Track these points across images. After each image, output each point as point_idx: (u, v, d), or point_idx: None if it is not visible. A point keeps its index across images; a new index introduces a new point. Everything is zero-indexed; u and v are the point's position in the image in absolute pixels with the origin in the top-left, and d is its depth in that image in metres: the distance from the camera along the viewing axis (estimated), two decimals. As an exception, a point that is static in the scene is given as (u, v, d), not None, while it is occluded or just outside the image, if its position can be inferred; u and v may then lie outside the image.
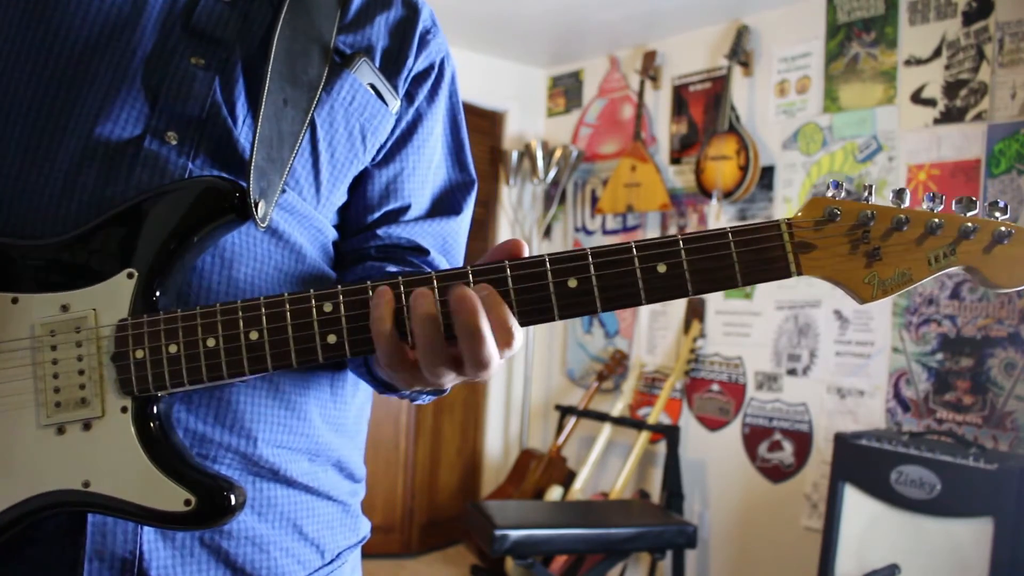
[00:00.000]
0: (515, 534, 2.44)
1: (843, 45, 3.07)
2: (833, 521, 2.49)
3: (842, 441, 2.54)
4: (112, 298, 0.70)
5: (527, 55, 4.13)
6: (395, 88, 0.88)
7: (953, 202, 0.67)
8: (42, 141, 0.73)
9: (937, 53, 2.81)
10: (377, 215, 0.90)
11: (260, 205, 0.72)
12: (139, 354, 0.69)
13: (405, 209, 0.92)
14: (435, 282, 0.68)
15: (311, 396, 0.82)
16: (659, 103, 3.74)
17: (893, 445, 2.41)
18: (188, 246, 0.71)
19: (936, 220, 0.66)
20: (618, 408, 3.61)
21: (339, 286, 0.69)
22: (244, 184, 0.71)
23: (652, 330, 3.72)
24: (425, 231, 0.93)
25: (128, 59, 0.74)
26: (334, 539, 0.87)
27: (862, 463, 2.47)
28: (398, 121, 0.90)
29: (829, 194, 0.68)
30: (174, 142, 0.74)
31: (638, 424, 3.45)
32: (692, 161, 3.51)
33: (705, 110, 3.54)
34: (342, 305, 0.68)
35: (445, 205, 0.96)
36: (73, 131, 0.73)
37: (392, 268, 0.87)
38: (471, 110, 4.07)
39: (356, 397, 0.89)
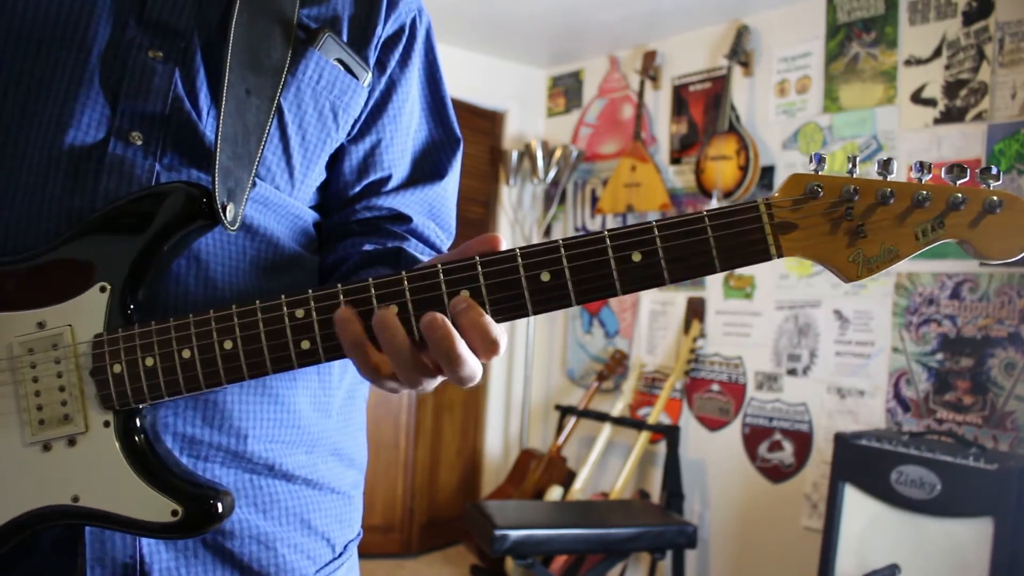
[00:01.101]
0: (515, 534, 2.44)
1: (843, 45, 3.07)
2: (833, 521, 2.49)
3: (842, 441, 2.54)
4: (87, 313, 0.70)
5: (527, 55, 4.13)
6: (365, 60, 0.85)
7: (943, 170, 0.63)
8: (3, 158, 0.71)
9: (937, 53, 2.81)
10: (357, 189, 0.88)
11: (229, 208, 0.71)
12: (116, 368, 0.69)
13: (386, 180, 0.89)
14: (406, 284, 0.66)
15: (299, 387, 0.81)
16: (659, 103, 3.74)
17: (893, 445, 2.41)
18: (159, 255, 0.70)
19: (923, 192, 0.62)
20: (618, 408, 3.61)
21: (310, 290, 0.68)
22: (211, 187, 0.70)
23: (652, 330, 3.72)
24: (408, 200, 0.90)
25: (83, 59, 0.72)
26: (342, 531, 0.87)
27: (862, 463, 2.46)
28: (371, 92, 0.87)
29: (811, 168, 0.65)
30: (139, 142, 0.72)
31: (638, 424, 3.45)
32: (692, 161, 3.51)
33: (705, 110, 3.54)
34: (313, 311, 0.67)
35: (427, 168, 0.93)
36: (35, 143, 0.71)
37: (368, 246, 0.85)
38: (471, 110, 4.08)
39: (344, 379, 0.88)
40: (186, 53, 0.74)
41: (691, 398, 3.53)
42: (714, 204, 3.37)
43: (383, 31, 0.86)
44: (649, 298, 3.73)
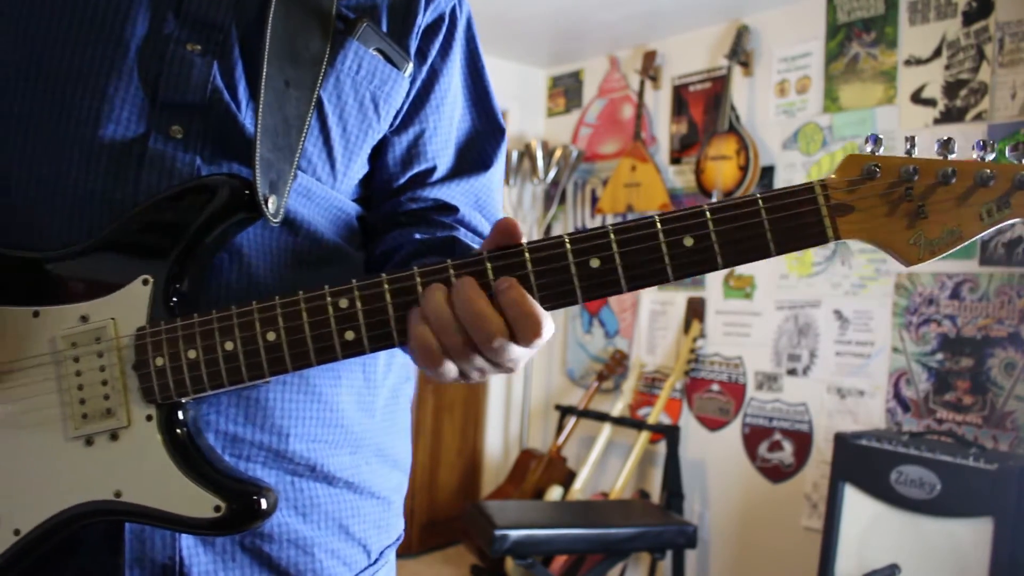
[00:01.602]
0: (515, 534, 2.44)
1: (843, 45, 3.07)
2: (833, 521, 2.49)
3: (842, 441, 2.54)
4: (130, 306, 0.69)
5: (527, 55, 4.13)
6: (406, 49, 0.83)
7: (1007, 149, 0.61)
8: (45, 153, 0.71)
9: (937, 53, 2.81)
10: (403, 180, 0.87)
11: (271, 200, 0.71)
12: (159, 362, 0.68)
13: (431, 171, 0.88)
14: (451, 271, 0.65)
15: (343, 385, 0.80)
16: (659, 103, 3.74)
17: (893, 445, 2.41)
18: (201, 248, 0.70)
19: (987, 171, 0.59)
20: (618, 408, 3.60)
21: (354, 280, 0.67)
22: (252, 180, 0.69)
23: (652, 330, 3.72)
24: (454, 190, 0.89)
25: (121, 53, 0.71)
26: (379, 538, 0.85)
27: (862, 463, 2.46)
28: (412, 82, 0.85)
29: (867, 149, 0.62)
30: (179, 136, 0.72)
31: (638, 424, 3.45)
32: (692, 161, 3.51)
33: (705, 110, 3.54)
34: (358, 300, 0.66)
35: (473, 158, 0.91)
36: (75, 137, 0.71)
37: (419, 235, 0.83)
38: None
39: (388, 378, 0.87)
40: (224, 46, 0.74)
41: (691, 398, 3.53)
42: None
43: (423, 20, 0.85)
44: (649, 298, 3.73)
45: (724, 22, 3.46)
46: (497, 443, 4.27)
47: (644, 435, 3.43)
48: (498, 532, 2.42)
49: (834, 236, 0.62)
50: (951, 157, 0.61)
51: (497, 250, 0.65)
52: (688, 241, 0.63)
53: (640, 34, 3.72)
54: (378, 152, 0.86)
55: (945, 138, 0.61)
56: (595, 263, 0.63)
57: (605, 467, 3.74)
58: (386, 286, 0.66)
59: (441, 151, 0.89)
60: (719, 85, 3.44)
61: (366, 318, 0.66)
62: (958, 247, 0.61)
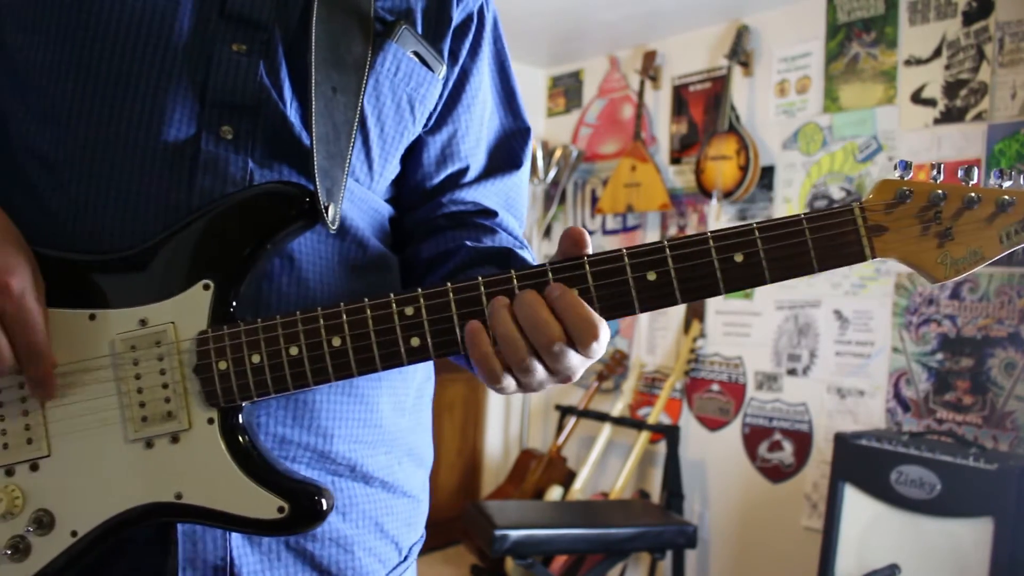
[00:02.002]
0: (515, 534, 2.44)
1: (843, 45, 3.07)
2: (833, 521, 2.49)
3: (842, 441, 2.54)
4: (190, 310, 0.70)
5: (527, 55, 4.13)
6: (440, 52, 0.85)
7: (1022, 177, 0.67)
8: (96, 154, 0.72)
9: (937, 53, 2.81)
10: (437, 181, 0.89)
11: (330, 208, 0.72)
12: (223, 365, 0.69)
13: (464, 171, 0.90)
14: (515, 283, 0.68)
15: (383, 387, 0.82)
16: (659, 103, 3.74)
17: (893, 445, 2.41)
18: (261, 254, 0.71)
19: (1007, 197, 0.65)
20: (618, 408, 3.61)
21: (419, 289, 0.69)
22: (311, 187, 0.71)
23: (652, 330, 3.72)
24: (488, 191, 0.91)
25: (171, 54, 0.72)
26: (408, 535, 0.88)
27: (862, 463, 2.46)
28: (445, 84, 0.87)
29: (897, 175, 0.68)
30: (230, 136, 0.72)
31: (638, 424, 3.45)
32: (692, 161, 3.51)
33: (705, 110, 3.54)
34: (423, 309, 0.68)
35: (503, 157, 0.93)
36: (127, 140, 0.71)
37: (470, 242, 0.85)
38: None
39: (415, 377, 0.89)
40: (268, 45, 0.75)
41: (691, 398, 3.53)
42: (714, 204, 3.37)
43: (455, 21, 0.86)
44: (649, 298, 3.73)
45: (724, 22, 3.46)
46: (497, 443, 4.27)
47: (644, 435, 3.43)
48: (498, 532, 2.42)
49: (871, 255, 0.67)
50: (971, 183, 0.67)
51: (559, 262, 0.68)
52: (738, 257, 0.67)
53: (640, 34, 3.72)
54: (411, 152, 0.87)
55: (967, 166, 0.67)
56: (652, 276, 0.67)
57: (605, 467, 3.74)
58: (451, 295, 0.68)
59: (473, 150, 0.90)
60: (719, 85, 3.44)
61: (431, 326, 0.68)
62: (980, 267, 0.67)
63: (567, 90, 4.24)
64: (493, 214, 0.90)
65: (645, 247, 0.68)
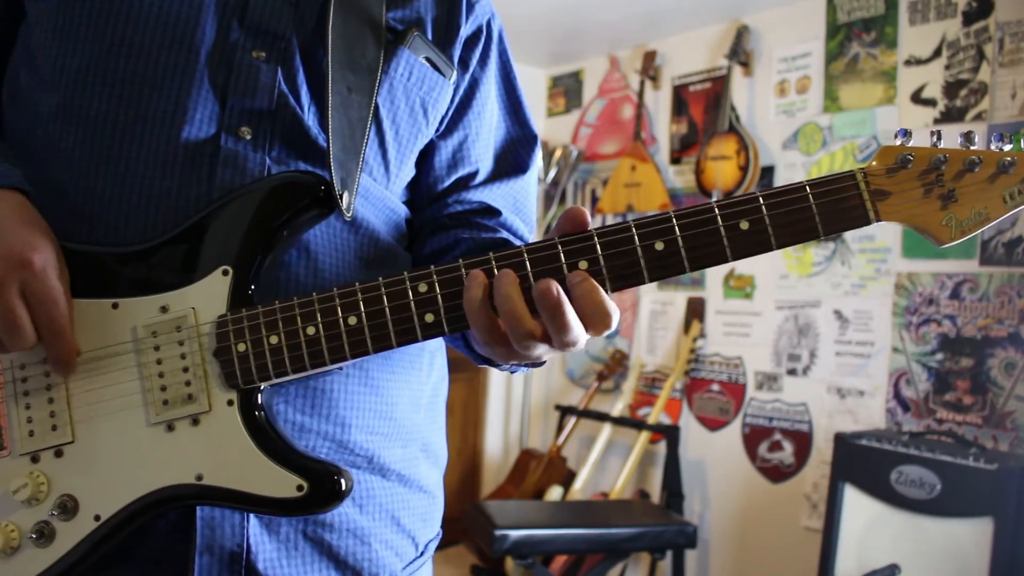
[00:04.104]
0: (515, 534, 2.44)
1: (843, 45, 3.07)
2: (833, 521, 2.49)
3: (842, 441, 2.54)
4: (209, 296, 0.72)
5: (527, 55, 4.13)
6: (450, 58, 0.89)
7: (1022, 140, 0.68)
8: (121, 152, 0.74)
9: (937, 53, 2.81)
10: (447, 184, 0.92)
11: (344, 196, 0.74)
12: (241, 347, 0.71)
13: (473, 175, 0.93)
14: (526, 256, 0.69)
15: (398, 379, 0.84)
16: (659, 103, 3.74)
17: (893, 445, 2.41)
18: (278, 241, 0.73)
19: (1008, 159, 0.66)
20: (618, 408, 3.61)
21: (432, 266, 0.70)
22: (327, 176, 0.73)
23: (652, 330, 3.72)
24: (495, 193, 0.94)
25: (193, 59, 0.76)
26: (424, 531, 0.89)
27: (862, 463, 2.46)
28: (456, 89, 0.90)
29: (898, 142, 0.69)
30: (248, 137, 0.75)
31: (638, 424, 3.45)
32: (692, 161, 3.51)
33: (705, 110, 3.54)
34: (437, 284, 0.70)
35: (510, 163, 0.97)
36: (150, 138, 0.74)
37: (466, 234, 0.88)
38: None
39: (431, 374, 0.91)
40: (286, 53, 0.78)
41: (691, 398, 3.53)
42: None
43: (465, 31, 0.90)
44: (649, 298, 3.73)
45: (724, 22, 3.46)
46: (497, 443, 4.27)
47: (644, 435, 3.43)
48: (498, 532, 2.42)
49: (875, 218, 0.68)
50: (973, 147, 0.68)
51: (569, 235, 0.70)
52: (744, 224, 0.68)
53: (640, 34, 3.72)
54: (423, 156, 0.91)
55: (967, 131, 0.68)
56: (659, 246, 0.69)
57: (605, 467, 3.74)
58: (464, 271, 0.70)
59: (482, 155, 0.94)
60: (719, 85, 3.44)
61: (445, 301, 0.70)
62: (986, 227, 0.68)
63: (567, 90, 4.24)
64: (497, 213, 0.93)
65: (652, 217, 0.69)
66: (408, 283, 0.70)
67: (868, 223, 0.68)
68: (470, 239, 0.88)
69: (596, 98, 4.08)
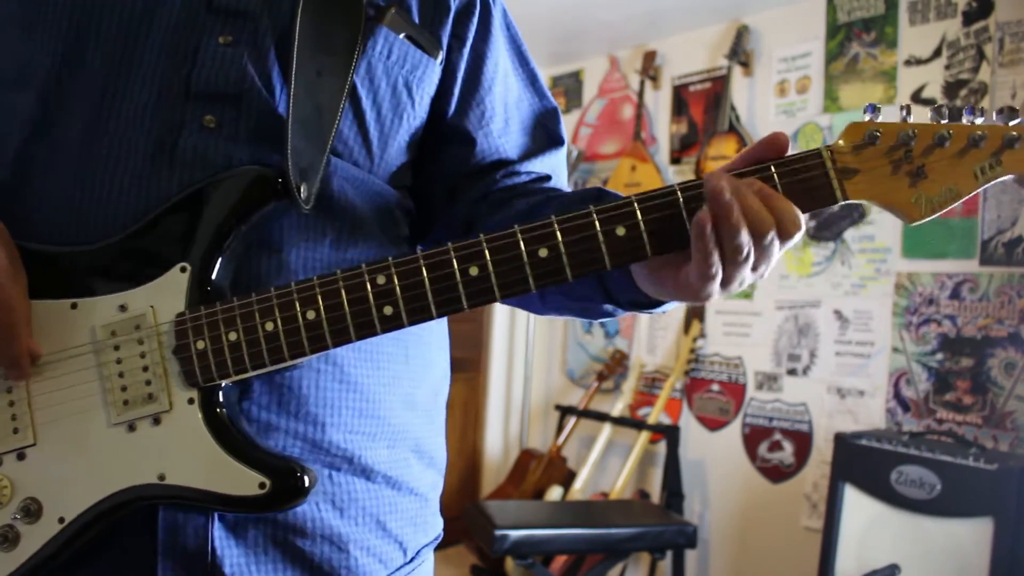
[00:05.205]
0: (515, 534, 2.44)
1: (843, 45, 3.07)
2: (833, 521, 2.49)
3: (842, 441, 2.54)
4: (168, 294, 0.71)
5: (527, 55, 4.13)
6: (438, 37, 0.85)
7: (994, 113, 0.65)
8: (85, 145, 0.73)
9: (937, 53, 2.81)
10: (476, 163, 0.88)
11: (302, 188, 0.72)
12: (200, 345, 0.70)
13: (500, 152, 0.89)
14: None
15: (381, 376, 0.80)
16: (659, 103, 3.74)
17: (893, 445, 2.41)
18: (237, 236, 0.72)
19: (978, 132, 0.64)
20: (618, 408, 3.60)
21: (389, 258, 0.69)
22: (284, 168, 0.71)
23: (652, 330, 3.72)
24: (536, 166, 0.91)
25: (155, 47, 0.73)
26: (415, 536, 0.85)
27: (862, 463, 2.46)
28: (456, 67, 0.87)
29: (866, 118, 0.67)
30: (212, 126, 0.73)
31: (638, 424, 3.45)
32: (692, 161, 3.51)
33: (705, 110, 3.54)
34: (395, 276, 0.69)
35: (543, 137, 0.94)
36: (111, 131, 0.73)
37: (545, 195, 0.84)
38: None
39: (429, 374, 0.87)
40: (256, 34, 0.75)
41: (691, 398, 3.53)
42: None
43: (455, 5, 0.87)
44: (649, 298, 3.73)
45: (724, 22, 3.46)
46: (497, 443, 4.27)
47: (644, 435, 3.43)
48: (498, 532, 2.42)
49: (843, 197, 0.66)
50: (943, 122, 0.66)
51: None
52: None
53: (640, 34, 3.71)
54: (442, 139, 0.88)
55: (937, 105, 0.66)
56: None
57: (605, 467, 3.74)
58: (422, 262, 0.68)
59: (503, 131, 0.90)
60: (719, 85, 3.44)
61: (403, 292, 0.69)
62: (956, 203, 0.65)
63: (567, 90, 4.24)
64: (548, 178, 0.90)
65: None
66: (366, 276, 0.69)
67: (836, 202, 0.66)
68: (563, 195, 0.84)
69: (596, 98, 4.08)
